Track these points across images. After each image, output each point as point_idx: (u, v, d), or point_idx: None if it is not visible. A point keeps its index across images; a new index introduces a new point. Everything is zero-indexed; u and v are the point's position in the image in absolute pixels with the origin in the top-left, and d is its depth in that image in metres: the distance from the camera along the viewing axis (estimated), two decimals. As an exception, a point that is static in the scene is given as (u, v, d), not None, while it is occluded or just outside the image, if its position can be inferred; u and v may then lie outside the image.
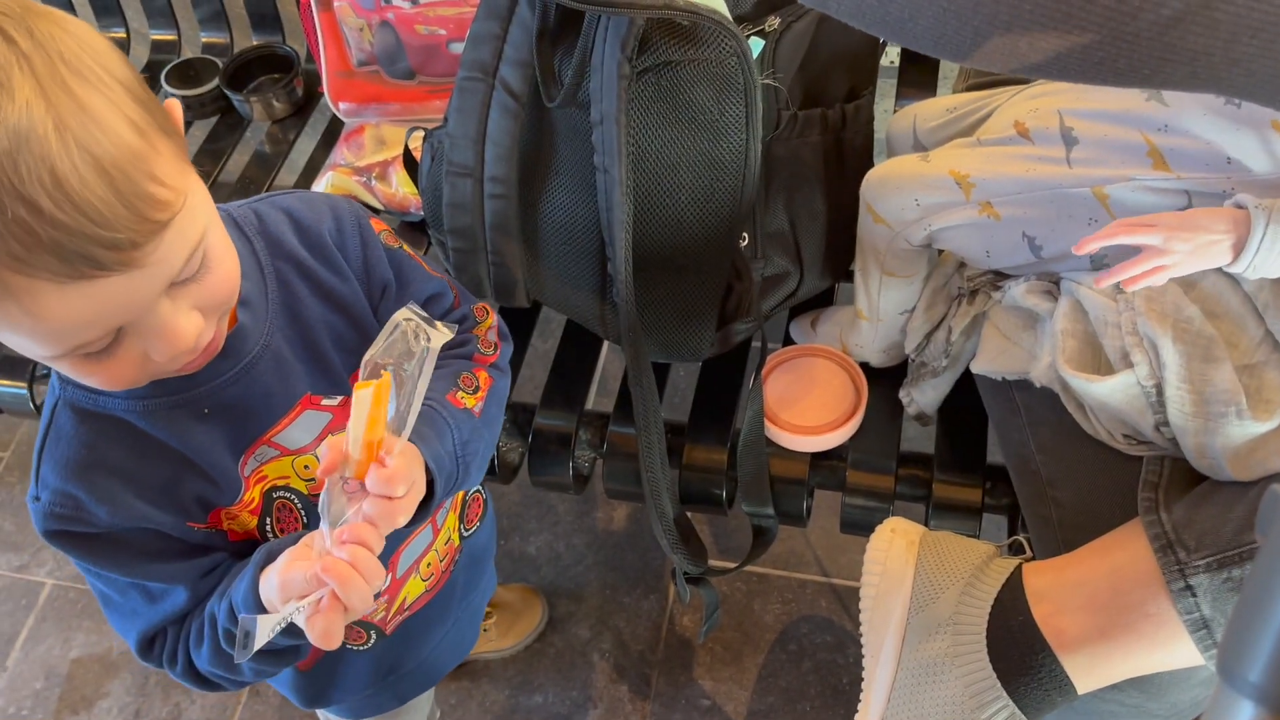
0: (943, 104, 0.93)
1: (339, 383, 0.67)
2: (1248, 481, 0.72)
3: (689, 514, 0.99)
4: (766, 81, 0.85)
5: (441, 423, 0.65)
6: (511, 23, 0.88)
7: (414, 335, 0.55)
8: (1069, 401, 0.80)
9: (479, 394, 0.70)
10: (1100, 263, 0.79)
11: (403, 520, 0.56)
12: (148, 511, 0.61)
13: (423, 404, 0.57)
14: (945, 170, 0.83)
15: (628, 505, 1.44)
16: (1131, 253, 0.70)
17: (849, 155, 0.98)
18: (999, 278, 0.87)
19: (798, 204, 0.96)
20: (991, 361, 0.86)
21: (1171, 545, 0.71)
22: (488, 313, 0.77)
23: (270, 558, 0.59)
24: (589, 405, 1.07)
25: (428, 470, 0.60)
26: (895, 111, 1.05)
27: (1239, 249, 0.67)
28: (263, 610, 0.58)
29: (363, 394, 0.53)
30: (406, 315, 0.55)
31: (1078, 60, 0.56)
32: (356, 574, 0.53)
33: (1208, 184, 0.73)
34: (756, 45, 0.83)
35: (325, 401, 0.66)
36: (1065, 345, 0.78)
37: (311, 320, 0.65)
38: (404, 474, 0.56)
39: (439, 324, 0.56)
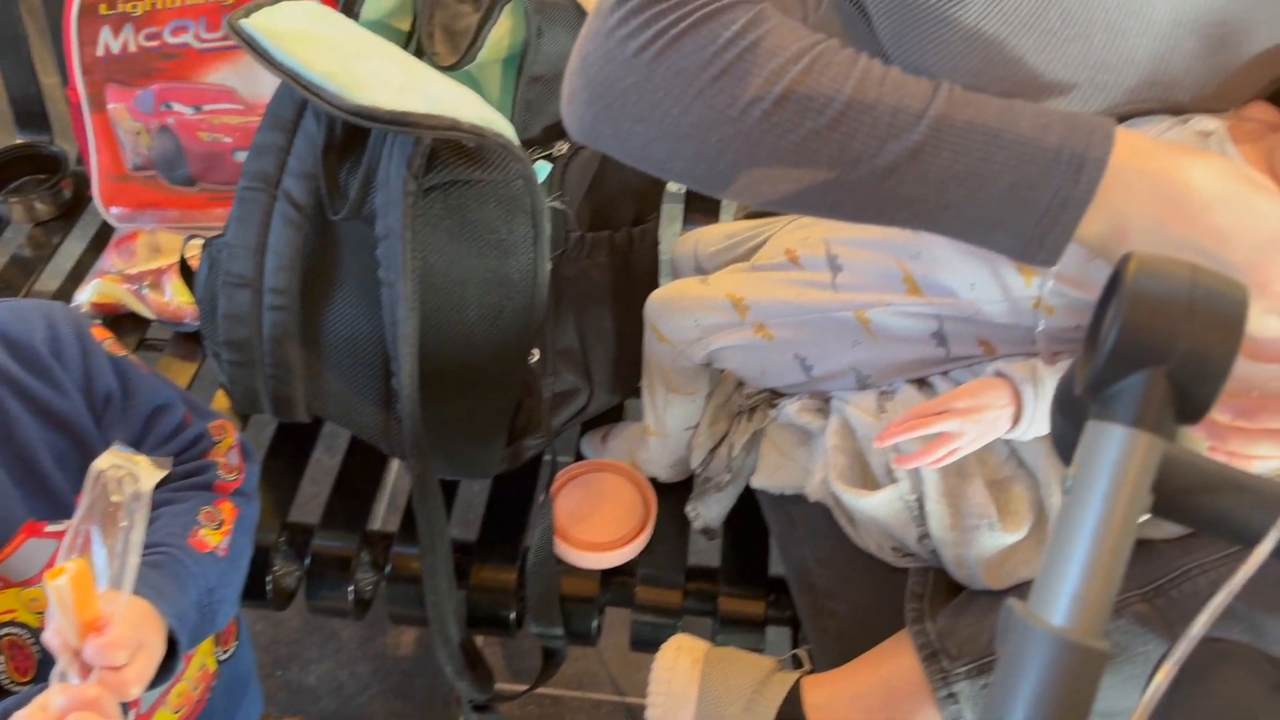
0: (723, 230, 0.97)
1: (63, 506, 0.62)
2: (1001, 590, 0.76)
3: (478, 636, 0.96)
4: (553, 204, 0.87)
5: (183, 573, 0.61)
6: (297, 134, 0.87)
7: (118, 483, 0.52)
8: (840, 515, 0.83)
9: (223, 529, 0.66)
10: (865, 382, 0.83)
11: (136, 689, 0.52)
12: None
13: (161, 552, 0.53)
14: (723, 293, 0.86)
15: (416, 629, 1.38)
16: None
17: (636, 276, 1.01)
18: (775, 395, 0.90)
19: (587, 322, 0.97)
20: (770, 477, 0.89)
21: (936, 654, 0.74)
22: (226, 431, 0.73)
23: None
24: (375, 525, 1.03)
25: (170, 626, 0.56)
26: (682, 235, 1.10)
27: (1017, 419, 0.73)
28: None
29: (59, 584, 0.49)
30: (107, 463, 0.52)
31: (814, 201, 0.61)
32: None
33: (956, 309, 0.79)
34: (544, 169, 0.85)
35: (50, 528, 0.61)
36: (835, 461, 0.81)
37: (27, 440, 0.61)
38: (125, 640, 0.52)
39: (147, 461, 0.53)
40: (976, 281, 0.78)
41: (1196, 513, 0.52)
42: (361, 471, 1.05)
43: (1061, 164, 0.57)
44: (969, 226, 0.60)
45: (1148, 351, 0.37)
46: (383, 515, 1.39)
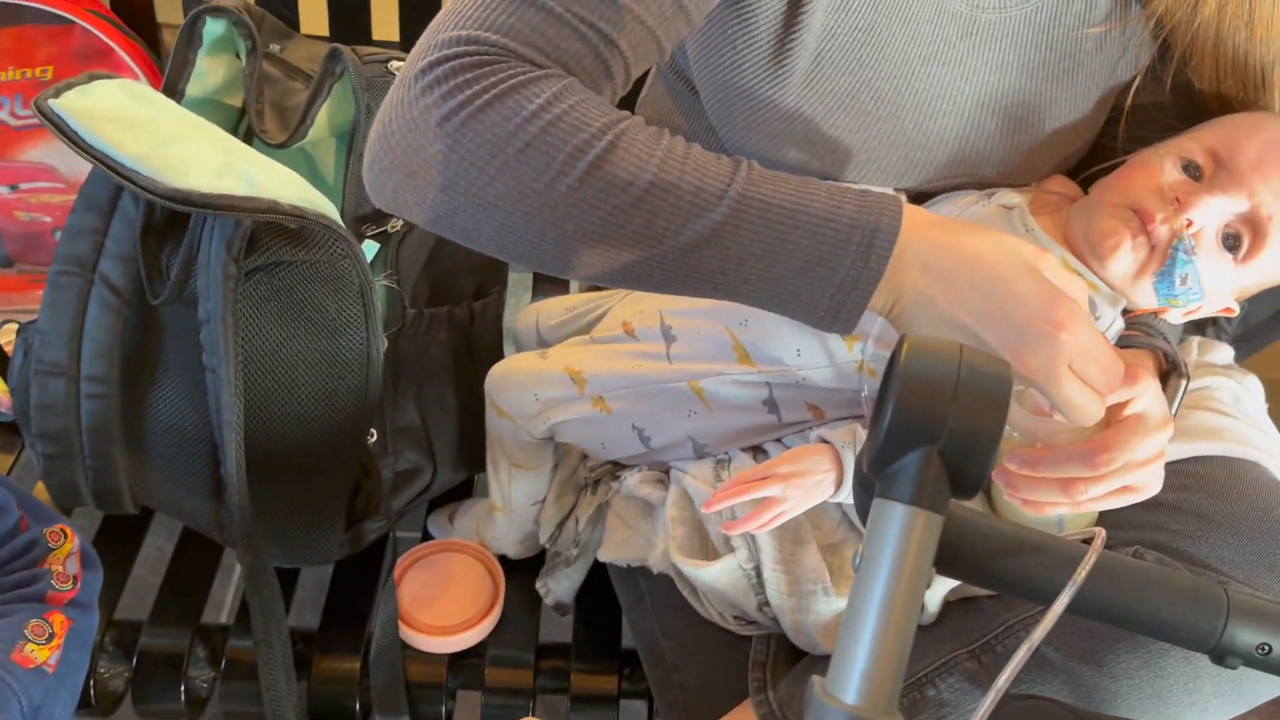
0: (565, 303, 0.98)
1: None
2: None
3: (319, 731, 0.92)
4: (383, 283, 0.86)
5: (4, 691, 0.57)
6: (114, 217, 0.84)
7: None
8: (683, 586, 0.84)
9: (54, 643, 0.62)
10: (702, 451, 0.84)
11: None
12: None
13: None
14: (561, 367, 0.86)
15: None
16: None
17: (479, 351, 1.00)
18: (617, 468, 0.91)
19: (428, 399, 0.96)
20: (616, 550, 0.89)
21: (777, 723, 0.75)
22: (66, 536, 0.69)
23: None
24: (213, 618, 0.98)
25: None
26: (525, 308, 1.10)
27: (840, 483, 0.74)
28: None
29: None
30: None
31: (620, 274, 0.62)
32: None
33: (785, 376, 0.81)
34: (371, 248, 0.84)
35: None
36: (675, 533, 0.82)
37: None
38: None
39: None
40: (802, 348, 0.81)
41: (999, 576, 0.54)
42: (194, 563, 1.00)
43: (852, 244, 0.59)
44: (769, 299, 0.62)
45: (920, 431, 0.39)
46: (229, 605, 1.33)
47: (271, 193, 0.75)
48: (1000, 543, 0.53)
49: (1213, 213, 0.74)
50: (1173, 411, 0.76)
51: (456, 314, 0.96)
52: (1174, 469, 0.77)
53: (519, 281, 1.28)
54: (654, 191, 0.59)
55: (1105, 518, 0.77)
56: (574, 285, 1.35)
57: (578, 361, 0.86)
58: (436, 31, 0.63)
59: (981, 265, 0.61)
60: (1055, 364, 0.60)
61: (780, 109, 0.80)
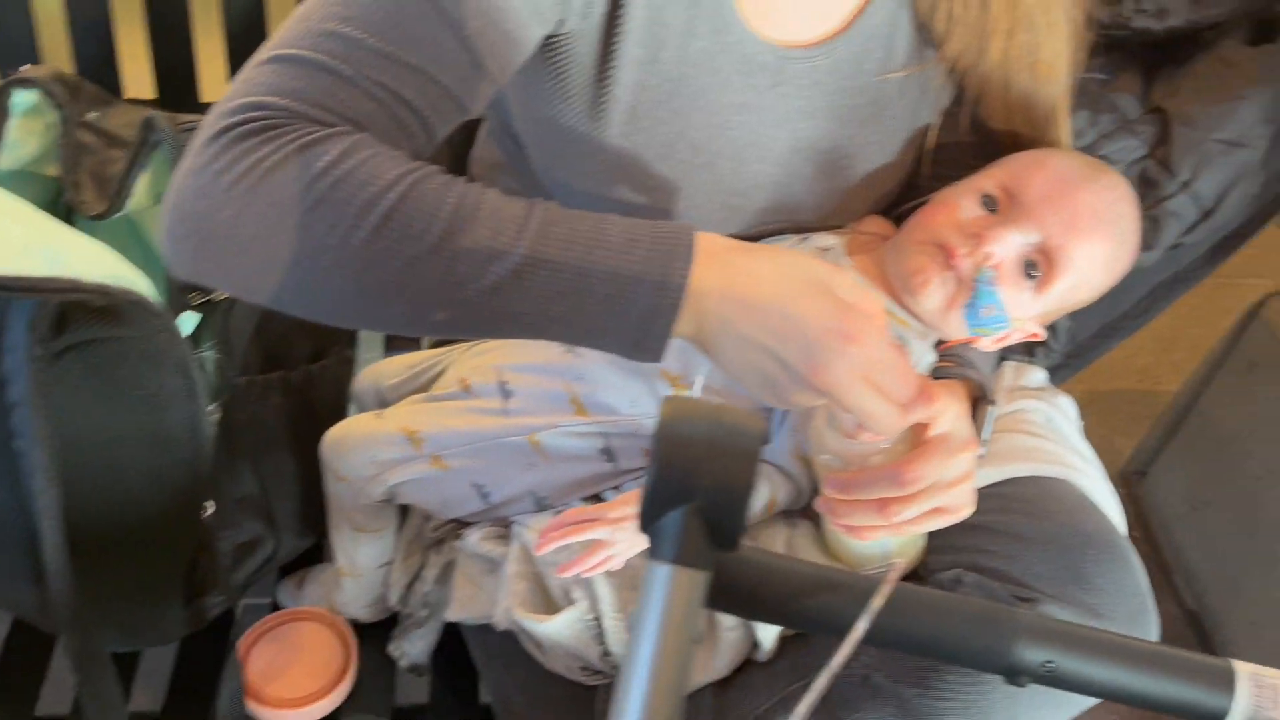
0: (404, 361, 0.97)
1: None
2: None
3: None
4: (205, 354, 0.85)
5: None
6: (-85, 300, 0.81)
7: None
8: (527, 642, 0.84)
9: None
10: (543, 504, 0.85)
11: None
12: None
13: None
14: (397, 427, 0.86)
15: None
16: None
17: (320, 414, 0.98)
18: (461, 525, 0.90)
19: (267, 467, 0.94)
20: (463, 608, 0.88)
21: (622, 772, 0.75)
22: None
23: None
24: (57, 708, 0.94)
25: None
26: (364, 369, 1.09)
27: None
28: None
29: None
30: None
31: (431, 323, 0.62)
32: None
33: (620, 425, 0.82)
34: (190, 319, 0.83)
35: None
36: (516, 588, 0.82)
37: None
38: None
39: None
40: (636, 398, 0.82)
41: (801, 614, 0.56)
42: (30, 647, 0.96)
43: (649, 276, 0.61)
44: (578, 335, 0.63)
45: (678, 490, 0.40)
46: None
47: (76, 270, 0.73)
48: (799, 583, 0.54)
49: (1009, 245, 0.79)
50: (984, 436, 0.80)
51: (292, 379, 0.95)
52: (990, 491, 0.81)
53: (370, 339, 1.27)
54: (450, 239, 0.60)
55: (930, 545, 0.80)
56: (425, 340, 1.34)
57: (414, 421, 0.86)
58: (226, 101, 0.63)
59: (776, 285, 0.63)
60: (850, 376, 0.62)
61: (602, 161, 0.81)
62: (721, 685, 0.79)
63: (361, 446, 0.87)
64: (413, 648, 0.96)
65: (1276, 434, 1.46)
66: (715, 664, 0.78)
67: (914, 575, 0.80)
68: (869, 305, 0.65)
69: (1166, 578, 1.66)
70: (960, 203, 0.81)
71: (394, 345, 1.29)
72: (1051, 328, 1.15)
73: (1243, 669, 0.54)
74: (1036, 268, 0.80)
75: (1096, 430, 1.74)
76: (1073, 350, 1.33)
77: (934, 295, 0.80)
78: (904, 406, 0.64)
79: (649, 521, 0.41)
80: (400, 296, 0.61)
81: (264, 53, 0.65)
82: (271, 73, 0.63)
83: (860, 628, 0.53)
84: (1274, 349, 1.46)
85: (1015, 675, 0.56)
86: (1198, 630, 1.60)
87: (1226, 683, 0.54)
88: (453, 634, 0.97)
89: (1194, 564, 1.63)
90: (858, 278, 0.82)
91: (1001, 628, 0.55)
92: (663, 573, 0.40)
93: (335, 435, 0.89)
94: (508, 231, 0.61)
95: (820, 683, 0.50)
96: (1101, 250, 0.80)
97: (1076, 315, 1.27)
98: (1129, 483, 1.77)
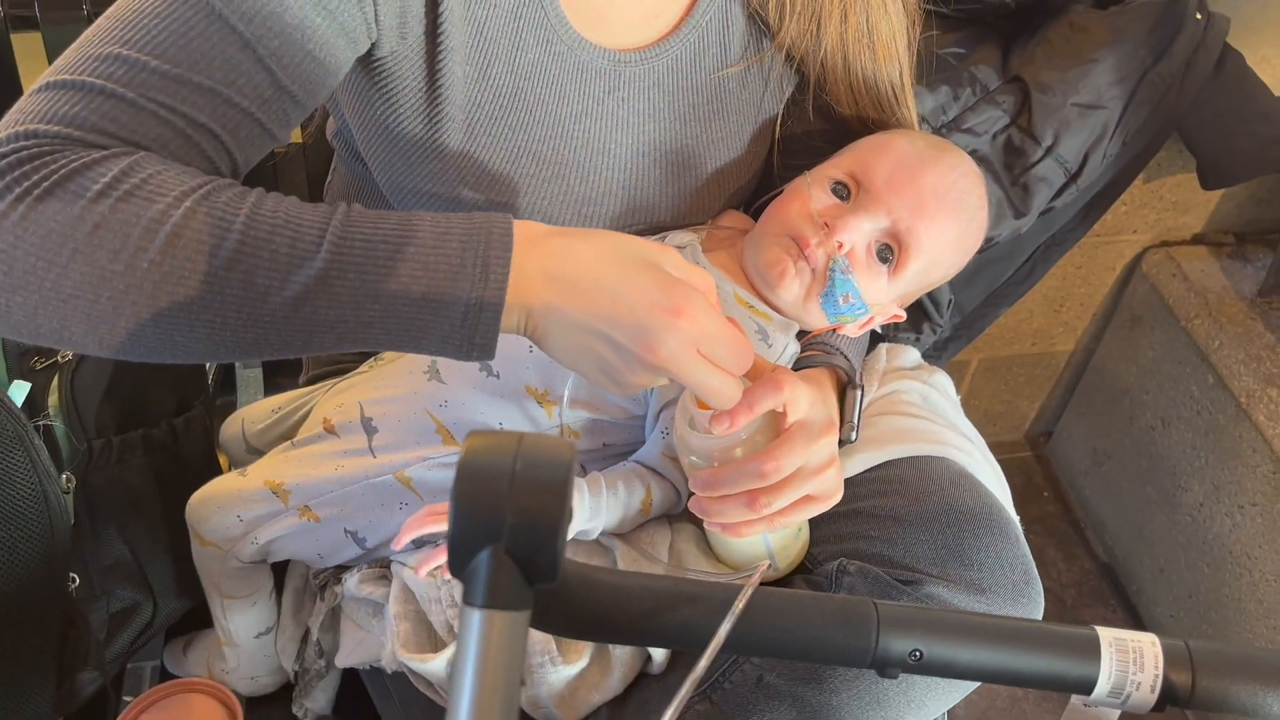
0: (269, 405, 0.94)
1: None
2: (578, 722, 0.76)
3: None
4: (43, 423, 0.81)
5: None
6: None
7: None
8: (418, 680, 0.81)
9: None
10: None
11: None
12: None
13: None
14: (261, 482, 0.83)
15: None
16: None
17: (191, 468, 0.95)
18: (341, 570, 0.87)
19: (136, 531, 0.90)
20: (352, 654, 0.85)
21: (521, 806, 0.73)
22: None
23: None
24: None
25: None
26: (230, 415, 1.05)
27: None
28: None
29: None
30: None
31: (238, 343, 0.59)
32: None
33: (493, 451, 0.80)
34: (21, 388, 0.79)
35: None
36: (399, 629, 0.79)
37: None
38: None
39: None
40: (504, 419, 0.80)
41: (657, 632, 0.54)
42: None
43: (467, 270, 0.58)
44: (399, 339, 0.60)
45: (483, 531, 0.38)
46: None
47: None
48: (655, 599, 0.53)
49: (859, 232, 0.78)
50: (855, 421, 0.80)
51: (154, 435, 0.91)
52: (869, 476, 0.81)
53: (249, 381, 1.22)
54: (246, 249, 0.57)
55: (812, 536, 0.80)
56: (302, 377, 1.31)
57: (277, 473, 0.83)
58: None
59: (600, 265, 0.61)
60: (682, 350, 0.60)
61: (445, 176, 0.79)
62: (618, 703, 0.78)
63: (227, 507, 0.83)
64: (315, 703, 0.93)
65: (1165, 383, 1.49)
66: (609, 683, 0.77)
67: (800, 569, 0.79)
68: (697, 279, 0.63)
69: (1079, 533, 1.69)
70: (810, 192, 0.81)
71: (274, 385, 1.25)
72: (937, 303, 1.16)
73: (1105, 635, 0.54)
74: (889, 252, 0.80)
75: (999, 396, 1.78)
76: (962, 322, 1.35)
77: (791, 287, 0.79)
78: (743, 382, 0.63)
79: (457, 566, 0.39)
80: (201, 318, 0.57)
81: (39, 80, 0.61)
82: (45, 100, 0.59)
83: (722, 632, 0.52)
84: (1155, 302, 1.49)
85: (885, 668, 0.55)
86: (1111, 581, 1.63)
87: (1092, 650, 0.54)
88: (354, 679, 0.93)
89: (1103, 517, 1.66)
90: (731, 288, 0.81)
91: (863, 623, 0.54)
92: (476, 618, 0.38)
93: (198, 498, 0.85)
94: (308, 237, 0.57)
95: (684, 692, 0.49)
96: (950, 229, 0.80)
97: (961, 288, 1.28)
98: (1036, 444, 1.80)
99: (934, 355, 1.30)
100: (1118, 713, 0.55)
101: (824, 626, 0.54)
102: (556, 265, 0.60)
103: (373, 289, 0.58)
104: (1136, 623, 1.59)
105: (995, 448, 1.81)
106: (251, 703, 0.94)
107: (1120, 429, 1.59)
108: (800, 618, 0.54)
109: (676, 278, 0.62)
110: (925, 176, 0.79)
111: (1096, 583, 1.64)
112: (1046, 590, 1.66)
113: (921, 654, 0.54)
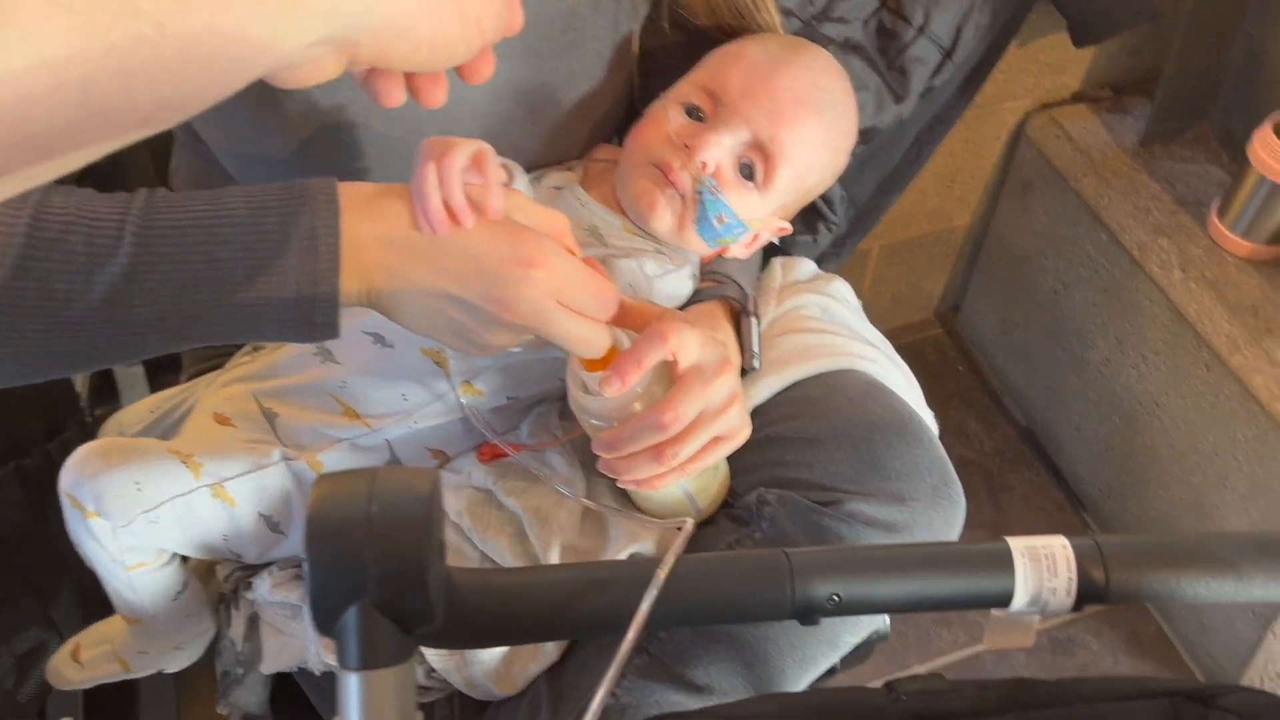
0: (146, 405, 0.88)
1: None
2: (518, 694, 0.75)
3: None
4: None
5: None
6: None
7: None
8: (348, 679, 0.79)
9: None
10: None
11: None
12: None
13: None
14: (166, 449, 0.76)
15: None
16: None
17: (74, 492, 0.89)
18: (249, 571, 0.83)
19: (27, 567, 0.85)
20: (275, 659, 0.82)
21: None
22: None
23: None
24: None
25: None
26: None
27: None
28: None
29: None
30: None
31: (51, 361, 0.53)
32: None
33: (399, 425, 0.77)
34: None
35: None
36: (319, 630, 0.76)
37: None
38: None
39: None
40: (406, 391, 0.77)
41: (577, 624, 0.52)
42: None
43: (292, 243, 0.54)
44: (232, 330, 0.56)
45: (345, 589, 0.35)
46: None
47: None
48: (563, 592, 0.51)
49: (721, 149, 0.75)
50: (755, 349, 0.78)
51: (28, 465, 0.86)
52: (778, 400, 0.79)
53: (131, 384, 1.16)
54: (36, 254, 0.51)
55: (731, 469, 0.78)
56: (183, 375, 1.24)
57: (186, 444, 0.77)
58: None
59: None
60: (542, 303, 0.57)
61: (290, 141, 0.74)
62: (556, 669, 0.76)
63: (125, 471, 0.73)
64: (243, 699, 0.89)
65: (1061, 246, 1.50)
66: (544, 652, 0.75)
67: (724, 505, 0.78)
68: (548, 222, 0.60)
69: (996, 401, 1.72)
70: (667, 114, 0.77)
71: (160, 383, 1.19)
72: (829, 201, 1.14)
73: (1015, 545, 0.53)
74: (753, 167, 0.77)
75: (904, 279, 1.78)
76: (857, 215, 1.33)
77: (664, 216, 0.76)
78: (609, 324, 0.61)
79: (325, 627, 0.36)
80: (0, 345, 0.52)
81: None
82: None
83: (643, 610, 0.50)
84: (1043, 166, 1.49)
85: (807, 615, 0.54)
86: (1032, 444, 1.67)
87: (1005, 564, 0.53)
88: (288, 678, 0.91)
89: (1017, 383, 1.69)
90: (618, 221, 0.78)
91: (777, 574, 0.52)
92: (353, 682, 0.35)
93: (81, 459, 0.74)
94: (105, 231, 0.52)
95: (612, 672, 0.48)
96: (815, 131, 0.77)
97: (851, 181, 1.26)
98: (946, 320, 1.82)
99: (834, 252, 1.29)
100: (1038, 618, 0.55)
101: (740, 585, 0.53)
102: (391, 227, 0.56)
103: (190, 279, 0.53)
104: (1060, 481, 1.63)
105: (906, 329, 1.82)
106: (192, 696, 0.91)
107: (1024, 295, 1.61)
108: (713, 580, 0.52)
109: (524, 226, 0.58)
110: (780, 80, 0.76)
111: (1019, 447, 1.67)
112: (971, 462, 1.69)
113: (840, 597, 0.53)
